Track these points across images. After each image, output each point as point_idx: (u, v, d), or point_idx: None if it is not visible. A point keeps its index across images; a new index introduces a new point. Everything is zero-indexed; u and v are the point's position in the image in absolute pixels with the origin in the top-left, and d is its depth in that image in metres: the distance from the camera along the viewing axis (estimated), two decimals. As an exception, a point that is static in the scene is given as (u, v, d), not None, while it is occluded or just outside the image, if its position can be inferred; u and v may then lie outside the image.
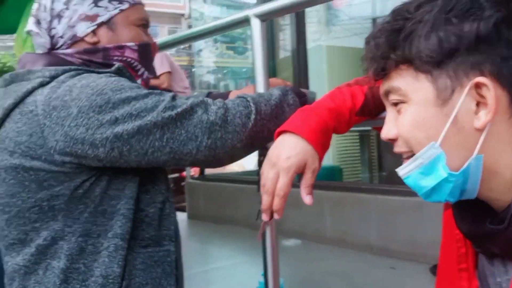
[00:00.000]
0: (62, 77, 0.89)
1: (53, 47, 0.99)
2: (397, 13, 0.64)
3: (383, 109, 0.84)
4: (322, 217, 3.94)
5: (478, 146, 0.60)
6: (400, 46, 0.62)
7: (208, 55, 8.14)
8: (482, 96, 0.59)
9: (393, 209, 3.48)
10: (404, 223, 3.35)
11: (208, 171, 5.86)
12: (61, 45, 0.99)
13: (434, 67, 0.61)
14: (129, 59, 1.02)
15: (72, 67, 0.93)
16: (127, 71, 0.98)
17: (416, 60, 0.61)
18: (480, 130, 0.60)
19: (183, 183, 5.95)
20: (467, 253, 0.74)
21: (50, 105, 0.86)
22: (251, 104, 0.91)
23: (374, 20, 5.71)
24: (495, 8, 0.59)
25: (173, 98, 0.89)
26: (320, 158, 0.85)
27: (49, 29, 0.99)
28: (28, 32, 1.02)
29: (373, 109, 0.89)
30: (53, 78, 0.89)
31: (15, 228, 0.93)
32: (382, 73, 0.66)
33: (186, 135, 0.86)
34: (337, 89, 0.90)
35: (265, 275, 1.22)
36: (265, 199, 0.84)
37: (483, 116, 0.60)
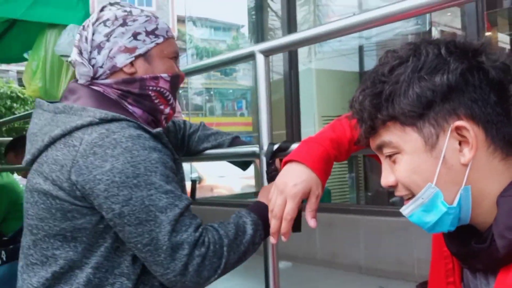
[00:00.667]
0: (113, 127, 0.94)
1: (93, 75, 1.05)
2: (374, 78, 0.73)
3: None
4: (312, 239, 4.00)
5: (465, 178, 0.68)
6: (384, 106, 0.70)
7: (195, 76, 8.31)
8: (463, 136, 0.68)
9: (381, 229, 3.57)
10: (391, 243, 3.45)
11: (199, 194, 5.90)
12: (101, 75, 1.05)
13: (417, 119, 0.69)
14: (162, 89, 1.08)
15: (122, 116, 0.98)
16: (165, 138, 1.03)
17: (401, 116, 0.69)
18: (466, 165, 0.68)
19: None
20: (454, 268, 0.83)
21: (92, 149, 0.91)
22: (224, 256, 0.97)
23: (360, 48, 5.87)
24: (458, 61, 0.68)
25: (186, 208, 0.95)
26: (323, 185, 0.94)
27: (89, 59, 1.05)
28: (71, 62, 1.08)
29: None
30: (101, 120, 0.95)
31: (39, 250, 0.97)
32: (372, 131, 0.74)
33: (163, 261, 0.92)
34: (337, 121, 0.99)
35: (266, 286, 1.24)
36: (274, 223, 0.91)
37: (467, 153, 0.68)
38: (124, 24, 1.05)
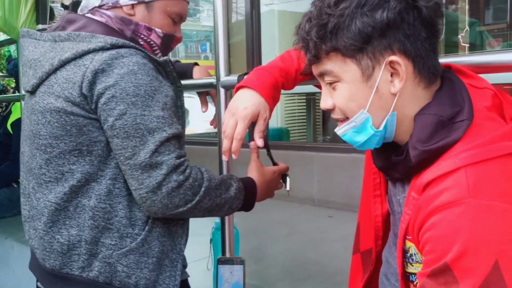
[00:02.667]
0: (122, 51, 1.00)
1: (99, 5, 1.10)
2: (321, 8, 0.79)
3: None
4: (270, 174, 4.21)
5: (393, 106, 0.78)
6: (328, 38, 0.77)
7: None
8: (395, 69, 0.76)
9: (333, 165, 3.80)
10: (342, 177, 3.69)
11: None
12: (103, 5, 1.10)
13: (357, 52, 0.76)
14: (152, 42, 1.13)
15: (131, 43, 1.03)
16: (170, 67, 1.08)
17: (342, 49, 0.76)
18: (395, 94, 0.77)
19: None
20: (380, 183, 0.96)
21: (101, 67, 0.98)
22: (199, 194, 1.01)
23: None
24: (398, 0, 0.74)
25: (174, 136, 0.99)
26: (271, 109, 1.03)
27: None
28: (37, 1, 1.13)
29: None
30: (113, 45, 1.00)
31: (53, 167, 1.03)
32: (316, 60, 0.81)
33: (140, 176, 0.96)
34: (286, 52, 1.07)
35: (222, 217, 1.41)
36: (225, 143, 1.00)
37: (397, 84, 0.77)
38: None
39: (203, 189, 1.02)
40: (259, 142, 1.02)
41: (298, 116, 5.64)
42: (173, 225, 1.09)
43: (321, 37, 0.77)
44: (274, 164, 1.22)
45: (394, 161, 0.83)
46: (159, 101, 0.99)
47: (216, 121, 1.37)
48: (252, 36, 4.61)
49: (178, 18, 1.17)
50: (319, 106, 6.16)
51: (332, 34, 0.76)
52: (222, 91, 1.37)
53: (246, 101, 0.99)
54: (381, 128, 0.80)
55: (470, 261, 0.64)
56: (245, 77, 1.04)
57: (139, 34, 1.11)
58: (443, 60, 0.87)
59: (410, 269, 0.81)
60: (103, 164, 1.02)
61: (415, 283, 0.82)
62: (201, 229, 3.21)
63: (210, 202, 1.05)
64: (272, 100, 1.02)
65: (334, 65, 0.79)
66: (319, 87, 1.16)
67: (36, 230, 1.07)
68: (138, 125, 0.96)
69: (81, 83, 0.98)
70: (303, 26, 0.82)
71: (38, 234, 1.07)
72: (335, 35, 0.76)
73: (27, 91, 1.10)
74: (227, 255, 1.42)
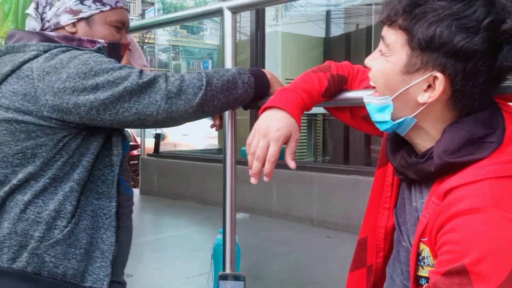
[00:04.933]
0: (54, 51, 1.07)
1: (41, 28, 1.17)
2: None
3: (338, 92, 1.08)
4: (269, 193, 4.21)
5: (416, 112, 0.79)
6: (410, 18, 0.75)
7: (161, 32, 8.02)
8: (434, 84, 0.75)
9: (332, 186, 3.82)
10: (341, 198, 3.71)
11: (163, 148, 5.98)
12: (46, 28, 1.17)
13: (417, 48, 0.75)
14: None
15: (63, 44, 1.11)
16: (105, 51, 1.15)
17: (411, 36, 0.75)
18: (419, 105, 0.78)
19: (132, 162, 6.03)
20: (391, 196, 0.97)
21: (44, 71, 1.03)
22: (204, 78, 1.09)
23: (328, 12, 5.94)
24: (485, 41, 0.70)
25: (141, 71, 1.08)
26: (299, 129, 1.02)
27: (42, 13, 1.16)
28: (27, 14, 1.18)
29: (333, 92, 1.08)
30: (46, 52, 1.07)
31: None
32: (389, 22, 0.79)
33: (148, 99, 1.05)
34: (306, 74, 1.06)
35: (224, 231, 1.36)
36: (256, 165, 0.96)
37: (426, 97, 0.76)
38: None
39: (203, 74, 1.09)
40: (292, 164, 0.98)
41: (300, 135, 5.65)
42: (100, 218, 1.14)
43: (406, 10, 0.75)
44: None
45: (414, 162, 0.84)
46: (110, 61, 1.06)
47: (220, 124, 1.37)
48: (256, 56, 4.67)
49: (121, 25, 1.22)
50: (319, 126, 6.21)
51: (415, 17, 0.74)
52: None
53: (278, 122, 0.96)
54: (395, 122, 0.82)
55: (487, 267, 0.67)
56: (271, 98, 1.04)
57: (83, 48, 1.16)
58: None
59: (421, 272, 0.83)
60: (45, 165, 1.07)
61: (423, 287, 0.84)
62: (201, 245, 3.23)
63: (219, 81, 1.10)
64: (300, 120, 1.01)
65: (395, 41, 0.78)
66: (331, 110, 1.19)
67: None
68: (114, 83, 1.03)
69: (34, 93, 1.03)
70: None
71: None
72: (417, 20, 0.74)
73: None
74: (228, 271, 1.43)
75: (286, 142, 0.97)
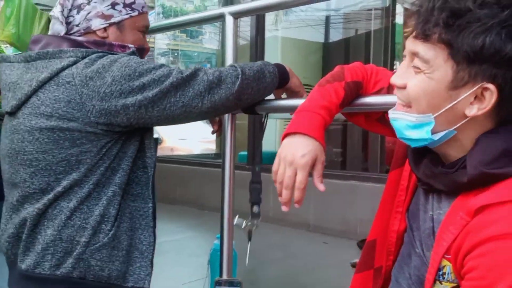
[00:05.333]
0: (93, 56, 1.08)
1: (67, 32, 1.16)
2: None
3: (354, 98, 1.05)
4: (266, 198, 4.21)
5: (458, 125, 0.75)
6: (452, 29, 0.69)
7: (160, 36, 8.05)
8: (482, 96, 0.72)
9: (329, 191, 3.82)
10: (337, 204, 3.71)
11: (159, 153, 5.97)
12: (74, 32, 1.16)
13: (463, 60, 0.70)
14: None
15: (99, 50, 1.12)
16: (138, 54, 1.17)
17: (455, 49, 0.70)
18: (466, 116, 0.74)
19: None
20: (405, 200, 0.95)
21: (87, 77, 1.04)
22: (238, 68, 1.15)
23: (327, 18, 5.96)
24: None
25: (179, 68, 1.12)
26: (325, 149, 0.99)
27: (68, 16, 1.15)
28: (51, 16, 1.18)
29: (350, 100, 1.06)
30: (84, 58, 1.08)
31: (38, 179, 1.08)
32: (422, 37, 0.73)
33: (193, 91, 1.09)
34: (321, 88, 1.03)
35: (221, 236, 1.39)
36: (286, 193, 0.94)
37: (475, 109, 0.73)
38: None
39: (235, 65, 1.16)
40: (321, 187, 0.97)
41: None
42: (137, 220, 1.17)
43: (446, 23, 0.70)
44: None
45: (442, 172, 0.81)
46: (148, 61, 1.10)
47: (220, 130, 1.39)
48: (256, 60, 4.65)
49: (146, 30, 1.25)
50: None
51: (458, 28, 0.70)
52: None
53: (303, 148, 0.94)
54: (435, 138, 0.78)
55: None
56: (291, 122, 1.01)
57: (114, 53, 1.16)
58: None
59: (437, 286, 0.81)
60: (89, 171, 1.08)
61: None
62: (197, 250, 3.23)
63: (251, 71, 1.16)
64: (323, 141, 0.98)
65: (435, 56, 0.73)
66: (346, 115, 1.15)
67: (18, 235, 1.12)
68: (159, 81, 1.06)
69: (80, 100, 1.04)
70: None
71: (19, 239, 1.12)
72: (459, 31, 0.70)
73: (7, 112, 1.16)
74: (225, 276, 1.43)
75: (313, 166, 0.95)
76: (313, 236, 3.76)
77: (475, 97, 0.73)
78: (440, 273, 0.80)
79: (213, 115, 1.18)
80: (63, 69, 1.06)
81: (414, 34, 0.75)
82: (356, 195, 3.56)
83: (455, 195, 0.79)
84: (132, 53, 1.14)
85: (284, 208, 0.95)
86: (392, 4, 5.30)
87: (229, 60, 1.34)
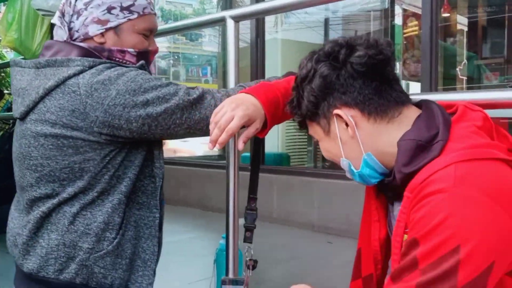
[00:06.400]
0: (100, 67, 1.07)
1: (70, 37, 1.15)
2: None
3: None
4: (270, 198, 4.21)
5: (362, 147, 0.89)
6: (297, 112, 0.95)
7: (160, 39, 8.11)
8: (343, 119, 0.88)
9: (333, 191, 3.83)
10: (342, 204, 3.72)
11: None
12: (76, 38, 1.15)
13: (314, 116, 0.92)
14: (127, 62, 1.18)
15: (107, 60, 1.10)
16: (147, 68, 1.15)
17: (306, 117, 0.94)
18: (355, 138, 0.89)
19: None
20: (379, 208, 1.00)
21: (92, 87, 1.03)
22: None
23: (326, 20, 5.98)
24: (324, 67, 0.88)
25: (186, 88, 1.11)
26: (268, 127, 1.10)
27: (70, 22, 1.14)
28: (52, 24, 1.18)
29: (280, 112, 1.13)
30: (91, 67, 1.06)
31: (44, 184, 1.09)
32: (302, 124, 0.98)
33: (199, 115, 1.09)
34: (292, 73, 1.12)
35: (227, 236, 1.39)
36: (216, 133, 1.04)
37: (350, 130, 0.89)
38: None
39: (245, 86, 1.18)
40: (241, 145, 1.07)
41: (299, 141, 5.70)
42: (141, 228, 1.16)
43: (292, 112, 0.96)
44: (252, 196, 1.27)
45: (386, 182, 0.92)
46: (156, 78, 1.09)
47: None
48: (256, 63, 4.70)
49: (149, 33, 1.21)
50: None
51: (296, 108, 0.94)
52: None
53: (250, 106, 1.05)
54: (360, 169, 0.91)
55: (435, 236, 0.73)
56: (253, 87, 1.11)
57: (114, 58, 1.16)
58: (440, 97, 0.95)
59: None
60: (93, 179, 1.08)
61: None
62: (202, 251, 3.24)
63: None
64: (271, 117, 1.08)
65: (310, 128, 0.96)
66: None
67: (21, 236, 1.13)
68: (164, 98, 1.06)
69: (84, 110, 1.04)
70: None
71: (21, 240, 1.13)
72: (298, 108, 0.94)
73: (17, 118, 1.16)
74: (231, 276, 1.44)
75: (249, 124, 1.05)
76: (317, 236, 3.77)
77: (346, 124, 0.88)
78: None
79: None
80: (69, 77, 1.06)
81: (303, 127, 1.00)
82: (360, 194, 3.55)
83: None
84: (141, 67, 1.13)
85: (209, 146, 1.05)
86: (391, 5, 5.32)
87: (231, 63, 1.34)
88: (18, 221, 1.17)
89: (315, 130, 0.95)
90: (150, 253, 1.16)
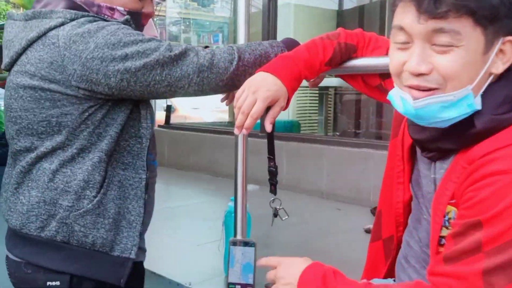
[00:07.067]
0: (81, 20, 1.06)
1: None
2: None
3: (346, 60, 1.06)
4: (280, 165, 4.22)
5: (484, 86, 0.76)
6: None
7: (171, 5, 7.95)
8: (501, 50, 0.74)
9: (343, 159, 3.83)
10: (351, 172, 3.72)
11: (173, 120, 6.00)
12: None
13: (490, 22, 0.72)
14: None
15: (90, 13, 1.09)
16: (132, 23, 1.12)
17: (478, 15, 0.71)
18: (491, 75, 0.76)
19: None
20: (404, 170, 0.97)
21: (70, 40, 1.02)
22: (235, 52, 1.08)
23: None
24: None
25: (169, 44, 1.07)
26: (289, 100, 1.05)
27: None
28: None
29: (339, 61, 1.08)
30: (72, 20, 1.06)
31: (23, 137, 1.09)
32: (440, 14, 0.71)
33: (180, 72, 1.05)
34: (312, 42, 1.07)
35: (235, 198, 1.41)
36: (241, 118, 1.01)
37: (500, 65, 0.75)
38: None
39: (234, 48, 1.09)
40: (269, 127, 1.03)
41: (310, 109, 5.67)
42: (126, 189, 1.15)
43: None
44: (270, 157, 1.23)
45: (449, 130, 0.79)
46: (138, 33, 1.06)
47: (231, 98, 1.38)
48: (268, 29, 4.62)
49: None
50: (331, 100, 6.17)
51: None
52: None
53: (270, 85, 1.00)
54: (476, 107, 0.76)
55: (502, 220, 0.69)
56: (270, 62, 1.05)
57: (103, 15, 1.13)
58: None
59: (444, 232, 0.83)
60: (71, 135, 1.07)
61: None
62: (212, 215, 3.28)
63: (250, 55, 1.10)
64: (292, 91, 1.04)
65: (462, 28, 0.72)
66: (342, 76, 1.17)
67: (6, 192, 1.15)
68: (144, 53, 1.02)
69: (61, 62, 1.02)
70: None
71: (6, 195, 1.15)
72: None
73: (4, 70, 1.16)
74: (239, 237, 1.46)
75: (272, 104, 1.01)
76: (326, 203, 3.79)
77: (496, 55, 0.75)
78: (446, 218, 0.82)
79: (201, 96, 1.13)
80: (50, 29, 1.05)
81: (422, 16, 0.73)
82: (369, 162, 3.56)
83: (454, 155, 0.81)
84: (126, 22, 1.10)
85: (236, 131, 1.02)
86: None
87: (241, 29, 1.31)
88: (7, 175, 1.18)
89: (471, 36, 0.72)
90: (135, 214, 1.15)
